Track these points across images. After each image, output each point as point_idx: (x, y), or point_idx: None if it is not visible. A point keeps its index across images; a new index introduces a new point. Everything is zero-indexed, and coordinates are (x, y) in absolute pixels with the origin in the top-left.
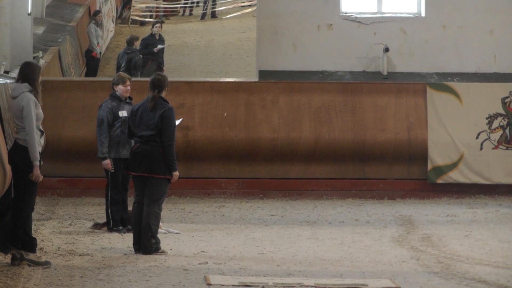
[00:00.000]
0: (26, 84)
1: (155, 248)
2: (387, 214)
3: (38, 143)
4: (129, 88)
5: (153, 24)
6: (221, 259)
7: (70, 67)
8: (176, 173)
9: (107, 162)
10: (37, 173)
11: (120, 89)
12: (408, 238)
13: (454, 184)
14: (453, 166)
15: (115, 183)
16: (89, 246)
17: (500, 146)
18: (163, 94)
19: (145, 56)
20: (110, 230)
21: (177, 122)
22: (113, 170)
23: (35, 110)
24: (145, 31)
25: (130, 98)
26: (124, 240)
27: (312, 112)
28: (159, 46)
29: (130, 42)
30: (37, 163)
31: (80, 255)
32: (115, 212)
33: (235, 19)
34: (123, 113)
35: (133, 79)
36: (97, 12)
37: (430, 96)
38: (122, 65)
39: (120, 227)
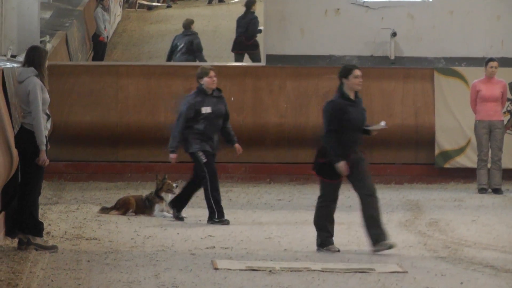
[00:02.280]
0: (32, 69)
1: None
2: (394, 199)
3: (44, 127)
4: (215, 78)
5: (252, 2)
6: (228, 243)
7: (77, 52)
8: (338, 164)
9: (173, 157)
10: (44, 158)
11: (206, 81)
12: (415, 223)
13: (462, 169)
14: (461, 151)
15: (211, 172)
16: (96, 231)
17: (508, 131)
18: (344, 84)
19: (254, 37)
20: (214, 222)
21: (377, 126)
22: (205, 160)
23: (41, 94)
24: (153, 16)
25: (218, 90)
26: (131, 225)
27: (320, 97)
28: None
29: (188, 25)
30: (43, 147)
31: (87, 239)
32: (218, 203)
33: (242, 3)
34: (206, 110)
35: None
36: None
37: (438, 81)
38: (181, 47)
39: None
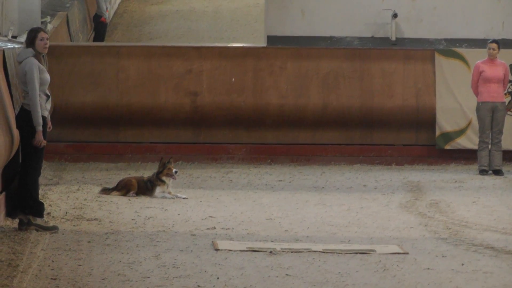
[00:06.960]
0: (30, 49)
1: None
2: (395, 180)
3: (44, 108)
4: None
5: None
6: (229, 224)
7: (78, 33)
8: None
9: None
10: (39, 138)
11: None
12: (416, 204)
13: (462, 150)
14: (461, 132)
15: None
16: (96, 211)
17: (509, 112)
18: None
19: None
20: None
21: None
22: None
23: (38, 75)
24: None
25: None
26: (132, 205)
27: (320, 78)
28: None
29: None
30: (39, 128)
31: (87, 220)
32: None
33: None
34: None
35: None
36: None
37: (438, 62)
38: None
39: None
